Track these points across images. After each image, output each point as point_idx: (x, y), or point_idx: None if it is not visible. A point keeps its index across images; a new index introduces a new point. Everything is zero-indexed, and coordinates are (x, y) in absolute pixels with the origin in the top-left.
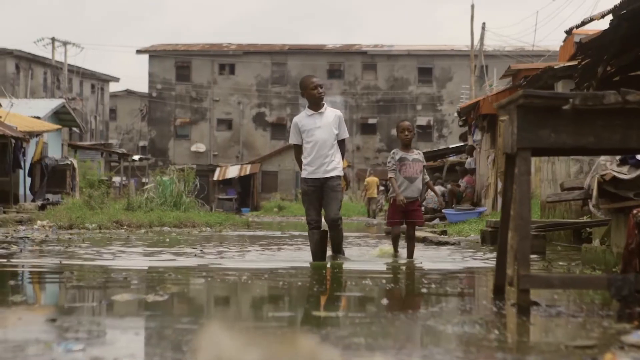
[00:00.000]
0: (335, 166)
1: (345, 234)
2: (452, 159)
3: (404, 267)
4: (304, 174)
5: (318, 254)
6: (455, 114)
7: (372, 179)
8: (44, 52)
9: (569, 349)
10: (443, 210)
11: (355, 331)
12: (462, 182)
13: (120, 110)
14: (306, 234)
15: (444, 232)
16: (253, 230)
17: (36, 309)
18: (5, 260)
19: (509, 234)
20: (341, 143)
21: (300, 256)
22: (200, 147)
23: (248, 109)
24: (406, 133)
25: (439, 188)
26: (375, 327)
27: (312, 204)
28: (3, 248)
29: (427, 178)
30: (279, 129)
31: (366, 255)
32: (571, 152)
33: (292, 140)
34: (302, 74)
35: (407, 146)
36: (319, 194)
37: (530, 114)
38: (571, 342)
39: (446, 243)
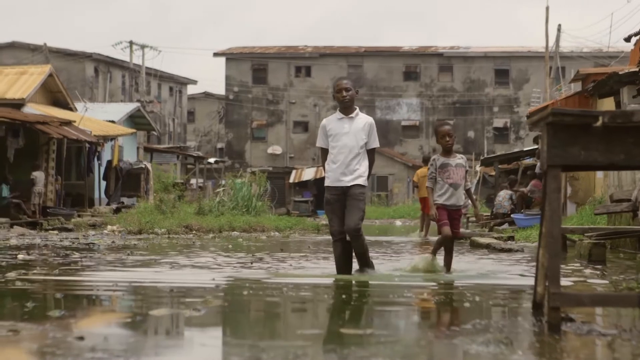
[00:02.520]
0: (359, 175)
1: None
2: (527, 161)
3: (442, 282)
4: (326, 182)
5: (342, 267)
6: (525, 118)
7: None
8: (122, 55)
9: None
10: (512, 215)
11: (377, 351)
12: (529, 186)
13: (199, 113)
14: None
15: (511, 238)
16: (322, 235)
17: (70, 325)
18: (58, 271)
19: (540, 251)
20: (370, 152)
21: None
22: (277, 150)
23: (324, 111)
24: (447, 139)
25: (505, 192)
26: (399, 347)
27: (335, 213)
28: (64, 256)
29: (469, 185)
30: None
31: (398, 267)
32: (602, 168)
33: (319, 143)
34: (378, 76)
35: (448, 152)
36: (342, 204)
37: (560, 131)
38: None
39: (509, 250)
